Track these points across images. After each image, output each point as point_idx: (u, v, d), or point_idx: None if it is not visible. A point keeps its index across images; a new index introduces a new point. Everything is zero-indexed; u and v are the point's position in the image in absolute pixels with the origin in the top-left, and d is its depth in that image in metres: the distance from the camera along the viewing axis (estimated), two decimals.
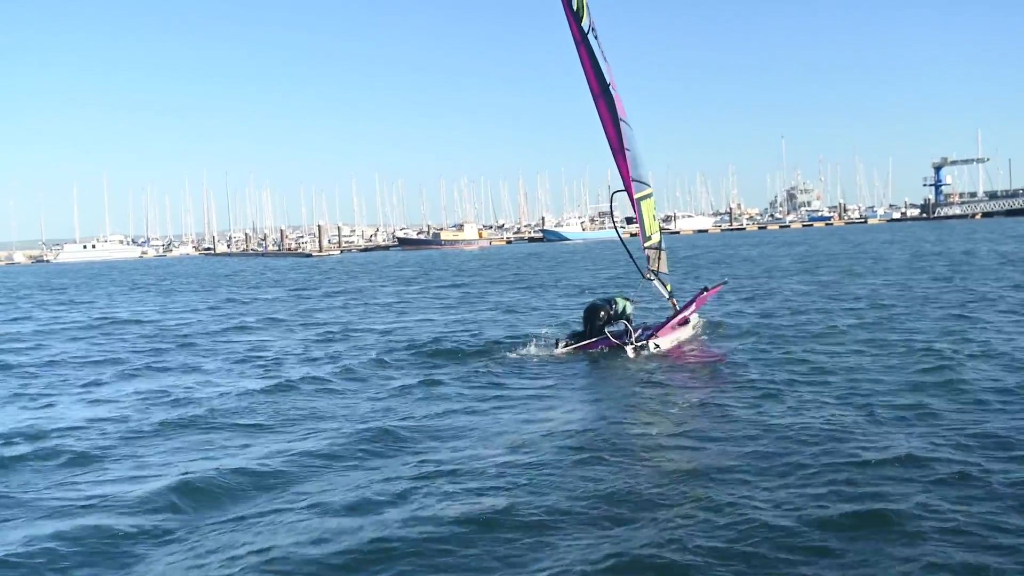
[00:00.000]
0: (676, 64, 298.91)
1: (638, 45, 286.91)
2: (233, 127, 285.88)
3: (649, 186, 15.85)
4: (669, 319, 14.74)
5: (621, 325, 13.90)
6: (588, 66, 14.36)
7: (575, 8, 13.98)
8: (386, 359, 14.17)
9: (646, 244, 15.52)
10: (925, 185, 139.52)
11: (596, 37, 14.27)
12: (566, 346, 13.86)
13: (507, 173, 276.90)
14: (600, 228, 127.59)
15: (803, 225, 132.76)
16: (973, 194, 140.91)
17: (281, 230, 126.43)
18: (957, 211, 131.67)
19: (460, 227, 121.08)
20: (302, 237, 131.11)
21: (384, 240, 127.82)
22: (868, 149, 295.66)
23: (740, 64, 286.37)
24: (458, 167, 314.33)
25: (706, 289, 15.74)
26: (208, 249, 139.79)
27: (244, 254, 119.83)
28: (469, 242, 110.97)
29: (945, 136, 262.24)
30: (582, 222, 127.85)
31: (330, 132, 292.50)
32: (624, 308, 14.13)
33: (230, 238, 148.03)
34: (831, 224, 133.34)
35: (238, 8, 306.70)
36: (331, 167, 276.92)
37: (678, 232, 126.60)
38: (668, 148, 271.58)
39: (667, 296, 15.52)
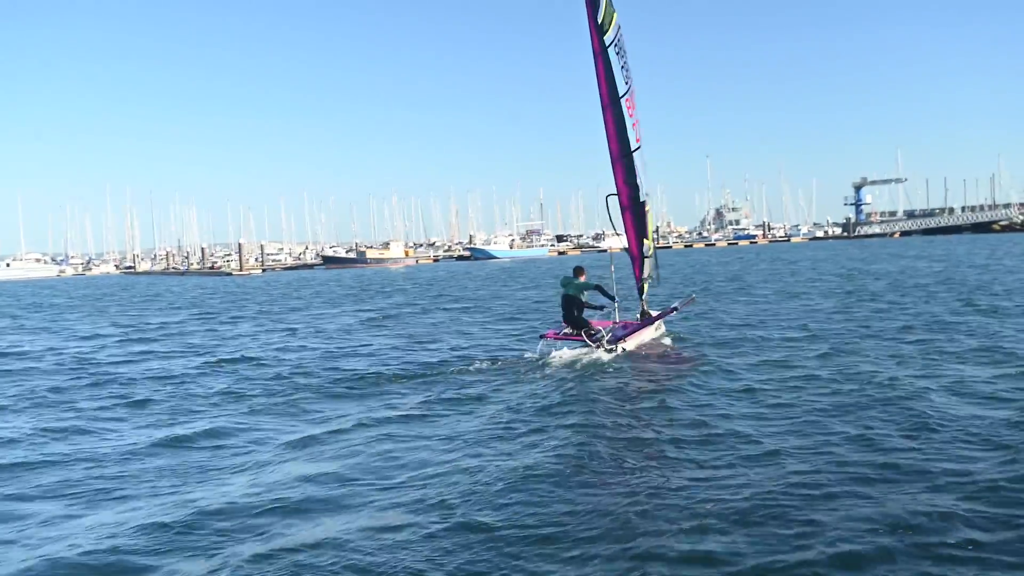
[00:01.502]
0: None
1: (572, 67, 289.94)
2: (158, 145, 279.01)
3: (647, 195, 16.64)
4: (640, 325, 16.10)
5: (598, 330, 15.18)
6: (603, 78, 15.40)
7: (599, 21, 14.98)
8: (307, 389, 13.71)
9: (646, 254, 16.68)
10: (846, 204, 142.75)
11: (618, 52, 15.27)
12: (556, 335, 15.30)
13: (439, 191, 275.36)
14: (529, 246, 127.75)
15: (728, 243, 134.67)
16: (893, 213, 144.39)
17: (203, 248, 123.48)
18: (877, 230, 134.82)
19: (386, 245, 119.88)
20: (230, 255, 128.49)
21: (312, 258, 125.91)
22: (793, 169, 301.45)
23: (666, 87, 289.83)
24: (389, 186, 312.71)
25: (675, 309, 17.20)
26: (129, 267, 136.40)
27: (165, 273, 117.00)
28: (395, 260, 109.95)
29: (868, 157, 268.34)
30: (511, 240, 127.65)
31: (260, 151, 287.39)
32: (584, 292, 15.26)
33: (155, 256, 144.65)
34: (755, 242, 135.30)
35: (162, 27, 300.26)
36: (261, 186, 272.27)
37: (606, 250, 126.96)
38: (602, 167, 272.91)
39: (641, 301, 16.74)
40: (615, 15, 15.26)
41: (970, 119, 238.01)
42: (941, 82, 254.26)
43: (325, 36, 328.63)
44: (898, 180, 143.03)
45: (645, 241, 16.57)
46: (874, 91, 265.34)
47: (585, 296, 15.35)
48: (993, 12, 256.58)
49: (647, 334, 16.19)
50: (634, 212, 16.38)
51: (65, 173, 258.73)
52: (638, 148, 15.87)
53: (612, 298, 15.96)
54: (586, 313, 15.40)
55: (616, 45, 15.25)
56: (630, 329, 15.83)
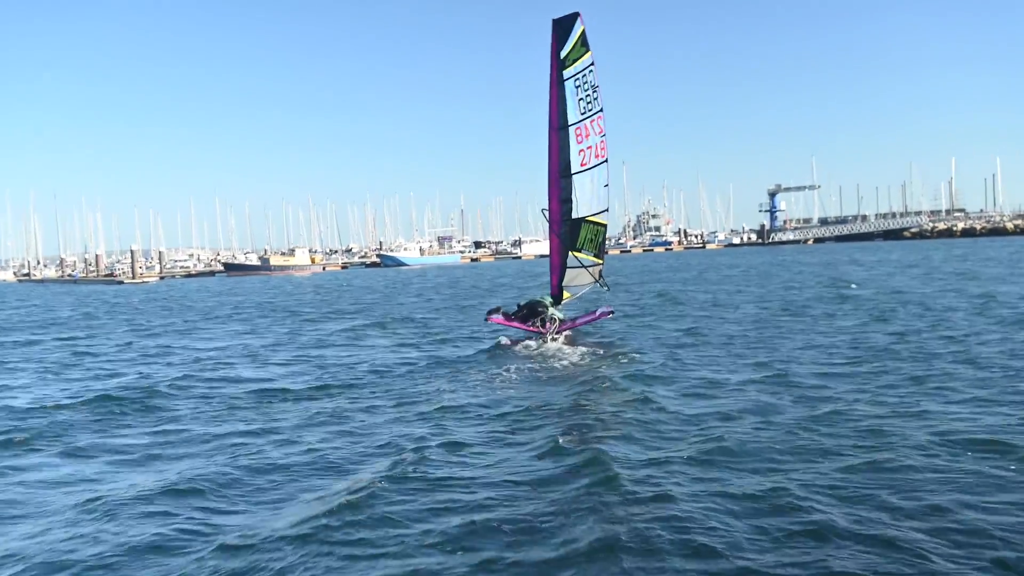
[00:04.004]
0: (517, 90, 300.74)
1: (498, 76, 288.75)
2: (62, 149, 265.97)
3: (599, 214, 18.46)
4: (573, 321, 18.68)
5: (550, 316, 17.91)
6: (555, 104, 17.60)
7: (562, 56, 17.33)
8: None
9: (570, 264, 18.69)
10: (761, 211, 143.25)
11: (579, 86, 17.48)
12: (504, 316, 18.06)
13: (356, 197, 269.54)
14: (438, 253, 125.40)
15: (643, 250, 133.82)
16: (808, 220, 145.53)
17: (97, 255, 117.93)
18: (791, 236, 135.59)
19: (291, 252, 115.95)
20: (129, 261, 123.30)
21: (212, 265, 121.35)
22: (710, 176, 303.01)
23: None
24: (305, 192, 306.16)
25: (601, 314, 18.85)
26: (26, 275, 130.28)
27: (60, 280, 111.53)
28: (301, 267, 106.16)
29: (784, 164, 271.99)
30: (420, 246, 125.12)
31: (169, 155, 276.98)
32: (550, 310, 17.99)
33: (61, 262, 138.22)
34: (671, 249, 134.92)
35: (66, 25, 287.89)
36: (170, 191, 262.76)
37: (520, 257, 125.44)
38: (519, 175, 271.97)
39: (552, 307, 18.17)
40: (587, 55, 17.29)
41: (883, 127, 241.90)
42: (855, 88, 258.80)
43: (232, 38, 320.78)
44: (812, 187, 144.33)
45: (572, 253, 18.40)
46: (790, 97, 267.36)
47: (552, 312, 18.04)
48: (908, 16, 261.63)
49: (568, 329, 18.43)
50: (563, 226, 18.26)
51: None
52: (582, 171, 17.77)
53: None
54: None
55: (578, 79, 17.35)
56: (566, 324, 18.33)
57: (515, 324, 18.06)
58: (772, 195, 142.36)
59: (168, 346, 21.54)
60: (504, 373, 14.44)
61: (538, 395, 12.41)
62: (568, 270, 18.62)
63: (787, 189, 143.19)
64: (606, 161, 17.95)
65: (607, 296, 21.90)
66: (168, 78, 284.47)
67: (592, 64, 17.38)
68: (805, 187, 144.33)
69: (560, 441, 9.29)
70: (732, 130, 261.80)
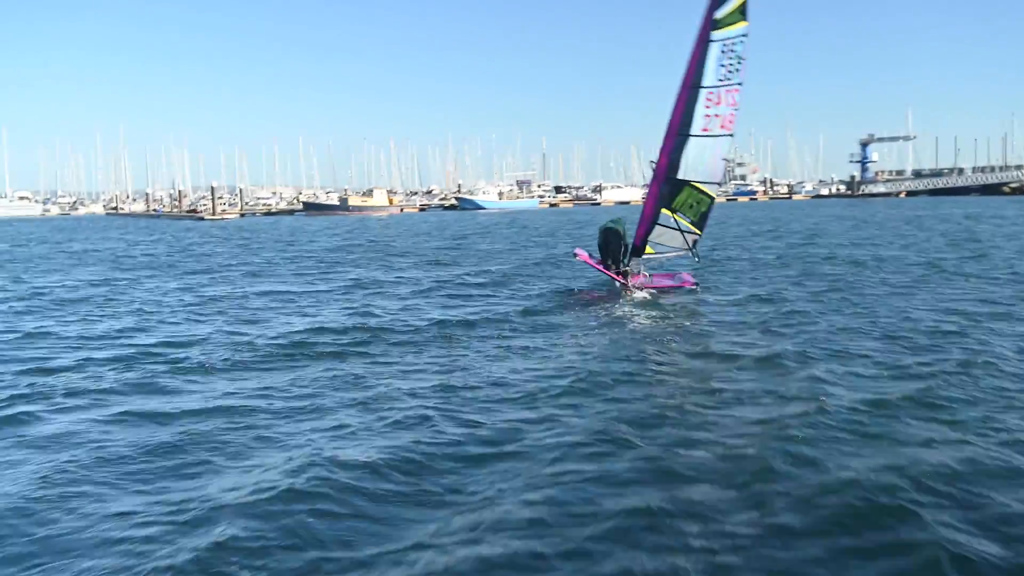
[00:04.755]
0: (616, 37, 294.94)
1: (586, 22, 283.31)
2: (154, 86, 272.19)
3: (708, 184, 17.72)
4: (651, 279, 18.16)
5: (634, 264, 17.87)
6: (694, 61, 16.80)
7: (717, 17, 16.46)
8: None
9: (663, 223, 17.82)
10: (851, 162, 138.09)
11: (725, 51, 16.60)
12: (588, 259, 18.02)
13: (437, 139, 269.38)
14: (517, 197, 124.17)
15: (727, 199, 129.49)
16: (901, 172, 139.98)
17: (179, 191, 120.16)
18: (882, 189, 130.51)
19: (369, 193, 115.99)
20: (217, 198, 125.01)
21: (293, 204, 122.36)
22: (800, 125, 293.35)
23: (676, 33, 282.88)
24: (386, 132, 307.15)
25: (683, 282, 18.17)
26: (114, 208, 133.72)
27: (145, 215, 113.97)
28: (377, 209, 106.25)
29: (878, 114, 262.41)
30: (500, 190, 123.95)
31: (254, 93, 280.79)
32: (623, 233, 17.80)
33: (148, 196, 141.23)
34: (755, 199, 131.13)
35: None
36: (256, 128, 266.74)
37: (599, 203, 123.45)
38: (604, 120, 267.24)
39: (625, 262, 17.79)
40: (742, 24, 16.49)
41: (983, 78, 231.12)
42: (954, 40, 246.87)
43: None
44: (906, 138, 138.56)
45: (665, 211, 17.66)
46: (886, 47, 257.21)
47: (623, 231, 17.79)
48: None
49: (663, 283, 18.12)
50: (665, 183, 17.56)
51: (57, 111, 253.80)
52: (702, 135, 17.09)
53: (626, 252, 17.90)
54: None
55: (725, 45, 16.54)
56: (642, 279, 17.92)
57: (599, 267, 17.93)
58: (864, 145, 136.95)
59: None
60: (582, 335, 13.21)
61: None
62: (658, 226, 17.89)
63: (880, 139, 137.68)
64: (731, 135, 17.30)
65: (699, 270, 20.10)
66: (250, 23, 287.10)
67: (745, 35, 16.59)
68: (899, 138, 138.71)
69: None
70: (824, 79, 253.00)
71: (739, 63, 16.71)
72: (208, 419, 8.46)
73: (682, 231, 17.87)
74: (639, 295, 16.82)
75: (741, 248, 31.14)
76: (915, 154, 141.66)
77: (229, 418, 8.48)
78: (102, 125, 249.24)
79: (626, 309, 15.61)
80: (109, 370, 11.01)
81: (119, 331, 14.29)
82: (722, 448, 7.31)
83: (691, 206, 17.71)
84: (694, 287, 17.92)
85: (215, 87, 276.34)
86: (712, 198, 17.81)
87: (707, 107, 16.92)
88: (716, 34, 16.52)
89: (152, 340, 13.22)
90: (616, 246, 17.79)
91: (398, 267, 26.15)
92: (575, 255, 18.24)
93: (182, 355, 11.91)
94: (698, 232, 18.02)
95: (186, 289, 21.07)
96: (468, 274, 22.96)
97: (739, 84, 16.87)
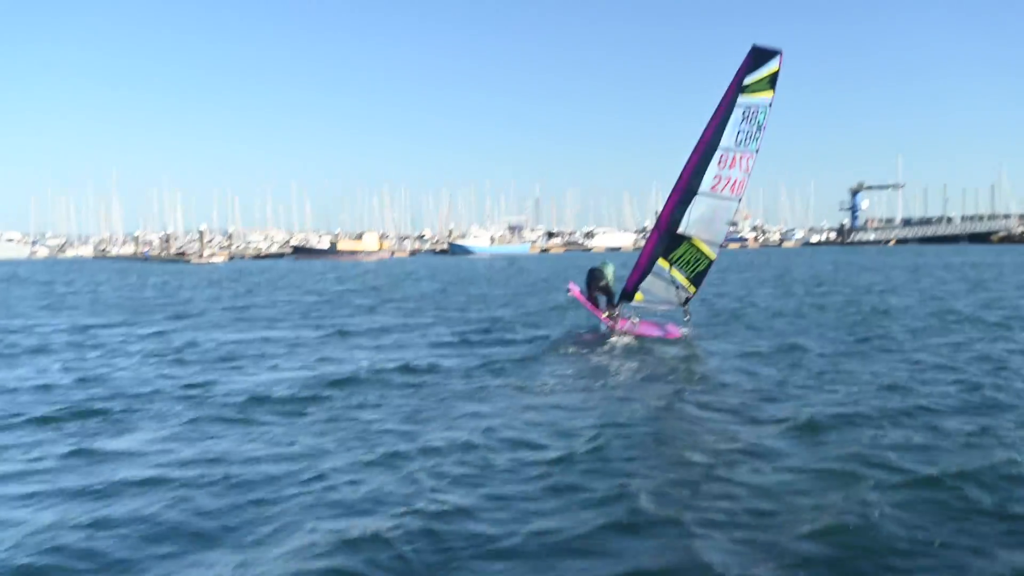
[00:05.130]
0: (585, 86, 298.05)
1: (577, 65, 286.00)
2: (147, 129, 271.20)
3: (711, 244, 17.34)
4: (635, 324, 17.80)
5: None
6: (716, 121, 16.62)
7: (745, 84, 16.46)
8: None
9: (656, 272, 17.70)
10: (842, 209, 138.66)
11: (746, 116, 16.49)
12: (580, 295, 17.75)
13: (431, 185, 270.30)
14: (509, 242, 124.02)
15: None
16: (890, 220, 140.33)
17: (168, 234, 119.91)
18: (872, 236, 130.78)
19: (360, 236, 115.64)
20: (207, 241, 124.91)
21: (281, 248, 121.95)
22: (791, 172, 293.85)
23: (663, 84, 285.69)
24: (380, 177, 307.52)
25: (668, 333, 17.70)
26: (103, 252, 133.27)
27: (132, 258, 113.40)
28: (369, 253, 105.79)
29: (868, 163, 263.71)
30: (491, 235, 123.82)
31: (248, 137, 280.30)
32: (609, 274, 17.92)
33: (135, 240, 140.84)
34: (746, 246, 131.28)
35: (147, 12, 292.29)
36: (249, 173, 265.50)
37: (590, 249, 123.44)
38: (599, 164, 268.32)
39: (614, 306, 17.84)
40: (769, 94, 16.48)
41: (972, 128, 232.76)
42: (945, 90, 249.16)
43: (321, 28, 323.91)
44: (896, 186, 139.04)
45: (662, 261, 17.60)
46: (877, 96, 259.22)
47: (609, 276, 17.85)
48: (997, 19, 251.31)
49: (650, 332, 17.80)
50: (666, 233, 17.48)
51: (48, 155, 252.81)
52: (709, 195, 16.86)
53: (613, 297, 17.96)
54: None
55: (748, 111, 16.52)
56: (640, 328, 17.75)
57: (591, 306, 17.99)
58: (854, 193, 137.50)
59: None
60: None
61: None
62: (652, 276, 17.73)
63: (870, 187, 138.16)
64: (739, 200, 17.13)
65: (718, 324, 19.48)
66: (246, 65, 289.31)
67: (770, 106, 16.67)
68: (889, 186, 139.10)
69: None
70: (815, 127, 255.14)
71: (759, 131, 16.72)
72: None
73: (676, 286, 17.77)
74: (625, 339, 16.65)
75: (748, 294, 29.85)
76: (904, 202, 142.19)
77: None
78: (94, 167, 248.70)
79: (644, 361, 14.52)
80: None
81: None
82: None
83: (688, 262, 17.59)
84: (680, 338, 17.53)
85: (208, 129, 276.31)
86: (712, 260, 17.55)
87: (720, 167, 16.86)
88: (742, 98, 16.56)
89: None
90: (597, 283, 17.93)
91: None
92: (568, 290, 18.04)
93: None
94: (692, 290, 17.86)
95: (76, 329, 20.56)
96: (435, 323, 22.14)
97: (755, 152, 16.85)
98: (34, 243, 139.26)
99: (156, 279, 50.94)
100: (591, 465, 7.78)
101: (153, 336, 19.04)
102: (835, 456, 7.93)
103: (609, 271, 18.05)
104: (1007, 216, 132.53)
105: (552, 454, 8.12)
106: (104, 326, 21.53)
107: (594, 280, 17.95)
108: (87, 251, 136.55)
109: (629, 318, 17.91)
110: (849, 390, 11.24)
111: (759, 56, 16.63)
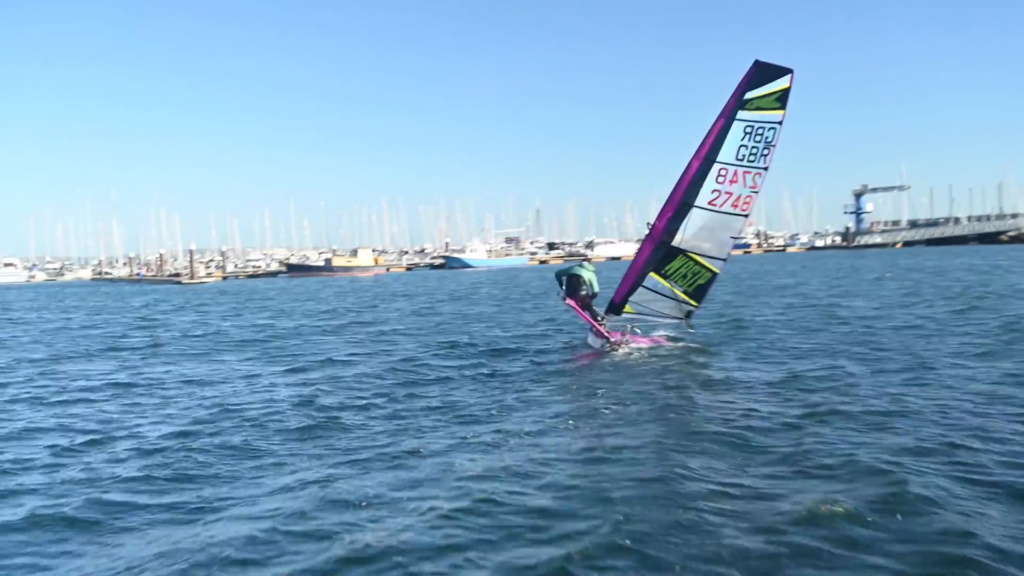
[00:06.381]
0: (569, 95, 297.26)
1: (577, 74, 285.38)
2: (145, 150, 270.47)
3: (712, 259, 16.99)
4: (622, 332, 17.30)
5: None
6: (713, 135, 16.16)
7: (746, 97, 15.86)
8: None
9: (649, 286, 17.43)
10: (846, 213, 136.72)
11: (749, 133, 15.90)
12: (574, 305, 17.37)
13: (429, 198, 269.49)
14: (507, 255, 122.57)
15: None
16: (896, 222, 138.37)
17: (160, 255, 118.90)
18: (878, 239, 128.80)
19: (354, 253, 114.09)
20: (207, 261, 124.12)
21: (277, 266, 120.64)
22: (793, 177, 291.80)
23: (664, 91, 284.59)
24: (378, 192, 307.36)
25: (655, 340, 17.55)
26: (100, 274, 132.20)
27: (127, 280, 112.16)
28: (364, 268, 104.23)
29: (872, 166, 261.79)
30: (488, 248, 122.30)
31: (245, 156, 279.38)
32: (589, 278, 17.44)
33: (130, 261, 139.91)
34: (749, 252, 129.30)
35: (146, 31, 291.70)
36: (247, 192, 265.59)
37: (589, 259, 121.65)
38: (601, 175, 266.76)
39: (602, 315, 17.58)
40: (777, 112, 15.81)
41: (976, 128, 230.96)
42: (948, 90, 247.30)
43: (319, 41, 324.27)
44: (901, 188, 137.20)
45: (655, 275, 17.29)
46: (878, 97, 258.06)
47: (588, 278, 17.36)
48: (1001, 20, 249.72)
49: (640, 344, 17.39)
50: (659, 247, 17.11)
51: (46, 177, 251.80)
52: (706, 209, 16.43)
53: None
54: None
55: (751, 126, 15.93)
56: (633, 340, 17.27)
57: (585, 316, 17.56)
58: (858, 196, 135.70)
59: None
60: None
61: None
62: (645, 290, 17.54)
63: (874, 190, 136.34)
64: (746, 216, 16.60)
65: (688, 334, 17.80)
66: (243, 83, 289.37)
67: (779, 123, 15.99)
68: (894, 188, 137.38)
69: None
70: (817, 132, 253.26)
71: (767, 148, 16.07)
72: None
73: (676, 300, 17.49)
74: (623, 350, 16.43)
75: (765, 306, 27.88)
76: (910, 204, 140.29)
77: None
78: (92, 190, 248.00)
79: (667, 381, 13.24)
80: None
81: None
82: None
83: (685, 276, 17.32)
84: (663, 343, 17.46)
85: (206, 149, 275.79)
86: (715, 273, 17.13)
87: (718, 182, 16.36)
88: (742, 114, 16.02)
89: None
90: (576, 287, 17.45)
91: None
92: (563, 299, 17.65)
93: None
94: (694, 304, 17.49)
95: None
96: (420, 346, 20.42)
97: (764, 169, 16.18)
98: (32, 268, 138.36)
99: (116, 303, 49.35)
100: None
101: None
102: None
103: (587, 275, 17.41)
104: (1015, 215, 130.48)
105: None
106: None
107: (575, 287, 17.39)
108: (86, 274, 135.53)
109: (623, 331, 17.31)
110: None
111: (764, 72, 15.90)
